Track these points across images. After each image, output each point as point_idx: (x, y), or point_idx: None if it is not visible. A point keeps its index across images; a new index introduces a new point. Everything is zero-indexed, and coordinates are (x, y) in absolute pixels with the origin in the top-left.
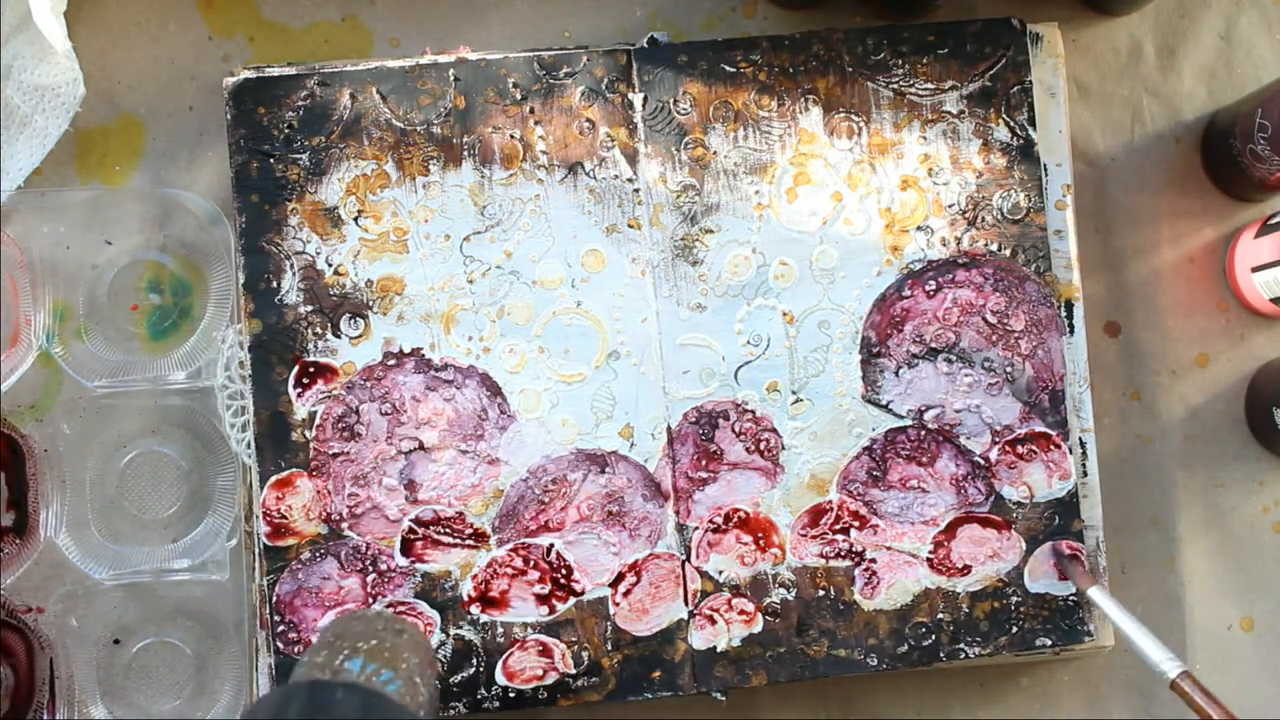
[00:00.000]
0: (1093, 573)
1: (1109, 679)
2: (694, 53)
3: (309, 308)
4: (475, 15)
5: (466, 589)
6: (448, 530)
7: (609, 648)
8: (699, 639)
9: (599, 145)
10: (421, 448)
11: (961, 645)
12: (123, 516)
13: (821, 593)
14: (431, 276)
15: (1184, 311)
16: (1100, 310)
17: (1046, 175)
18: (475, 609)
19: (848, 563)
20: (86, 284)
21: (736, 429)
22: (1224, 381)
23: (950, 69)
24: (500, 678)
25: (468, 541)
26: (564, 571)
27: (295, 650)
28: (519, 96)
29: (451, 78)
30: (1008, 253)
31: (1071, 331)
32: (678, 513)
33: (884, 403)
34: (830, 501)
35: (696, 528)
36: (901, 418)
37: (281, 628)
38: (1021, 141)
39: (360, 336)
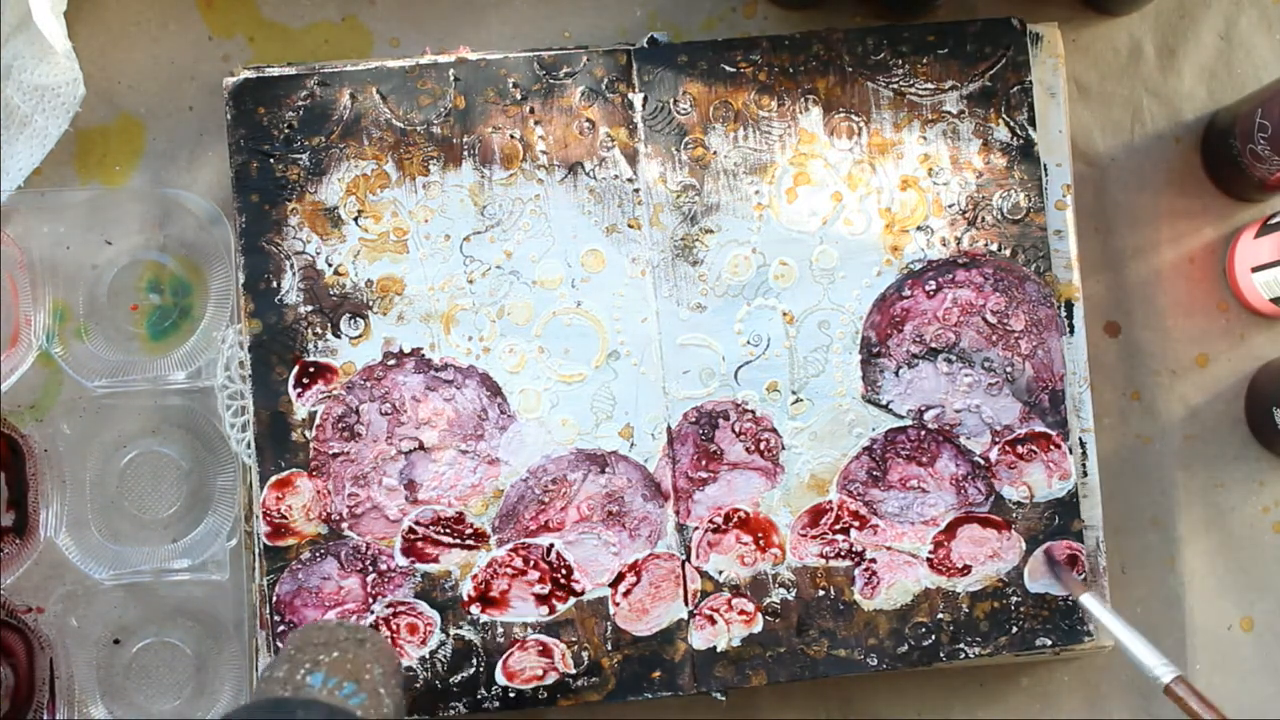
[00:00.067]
0: (1092, 573)
1: (1109, 679)
2: (694, 53)
3: (309, 308)
4: (475, 15)
5: (466, 589)
6: (448, 530)
7: (609, 648)
8: (699, 639)
9: (599, 145)
10: (421, 448)
11: (961, 645)
12: (123, 516)
13: (821, 593)
14: (431, 276)
15: (1184, 311)
16: (1100, 310)
17: (1046, 175)
18: (475, 609)
19: (848, 563)
20: (86, 284)
21: (736, 429)
22: (1224, 381)
23: (950, 69)
24: (500, 678)
25: (468, 541)
26: (564, 571)
27: None
28: (519, 96)
29: (451, 78)
30: (1008, 253)
31: (1071, 331)
32: (678, 513)
33: (884, 403)
34: (830, 501)
35: (696, 528)
36: (901, 418)
37: (281, 628)
38: (1021, 141)
39: (360, 336)
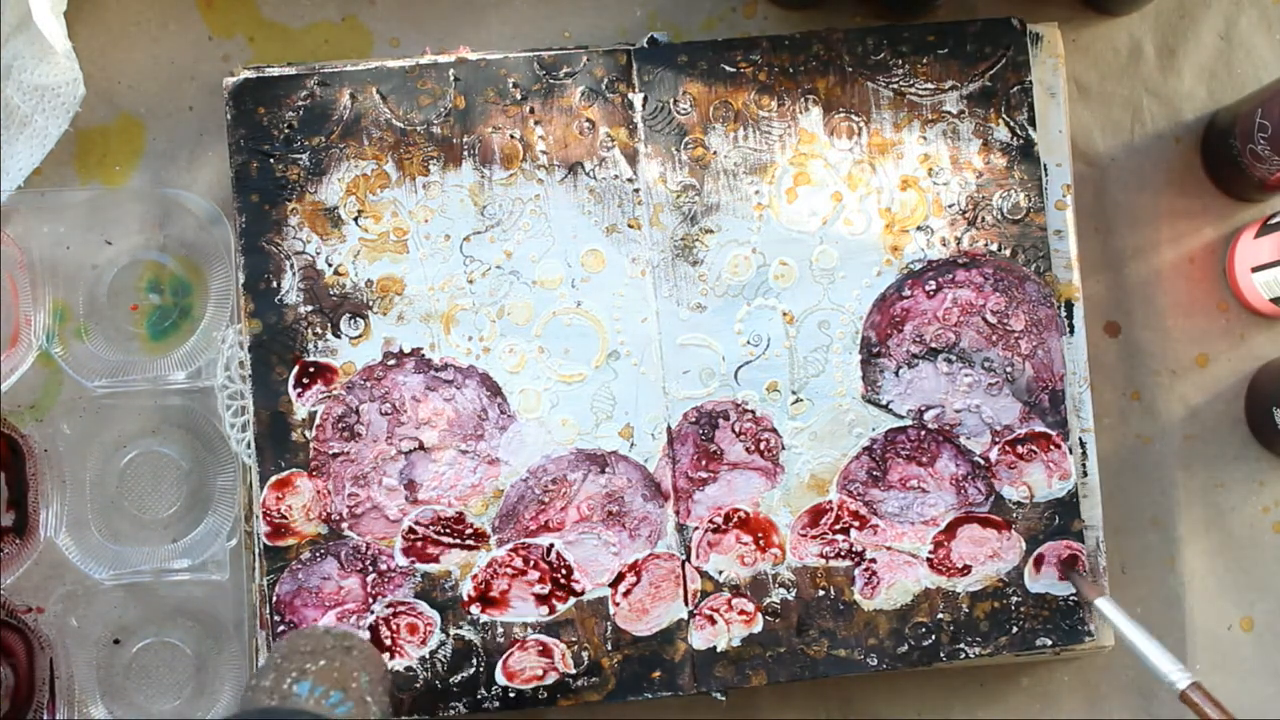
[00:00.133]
0: (1092, 573)
1: (1109, 679)
2: (694, 53)
3: (309, 308)
4: (475, 15)
5: (466, 589)
6: (448, 530)
7: (609, 648)
8: (699, 639)
9: (599, 145)
10: (421, 448)
11: (961, 645)
12: (123, 516)
13: (821, 593)
14: (431, 276)
15: (1184, 311)
16: (1100, 310)
17: (1046, 175)
18: (475, 609)
19: (848, 563)
20: (86, 284)
21: (736, 429)
22: (1224, 381)
23: (950, 69)
24: (500, 678)
25: (468, 541)
26: (564, 571)
27: None
28: (519, 96)
29: (451, 78)
30: (1008, 253)
31: (1071, 331)
32: (678, 513)
33: (884, 403)
34: (830, 501)
35: (696, 528)
36: (901, 418)
37: (281, 628)
38: (1021, 141)
39: (360, 336)
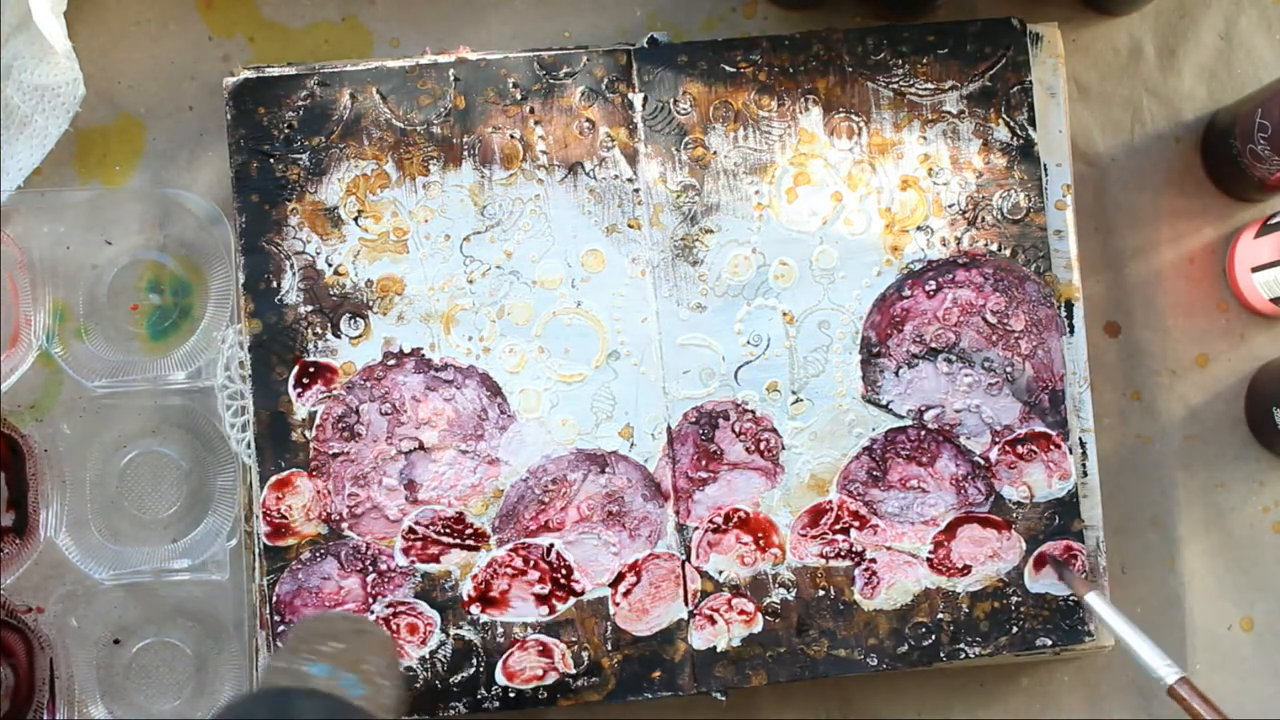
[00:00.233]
0: (1092, 573)
1: (1109, 679)
2: (694, 53)
3: (309, 308)
4: (475, 15)
5: (466, 589)
6: (448, 530)
7: (609, 648)
8: (699, 639)
9: (599, 145)
10: (421, 448)
11: (961, 645)
12: (123, 516)
13: (821, 593)
14: (431, 276)
15: (1184, 311)
16: (1100, 310)
17: (1046, 175)
18: (475, 609)
19: (848, 563)
20: (86, 284)
21: (736, 429)
22: (1224, 381)
23: (950, 69)
24: (500, 678)
25: (468, 541)
26: (564, 571)
27: None
28: (519, 96)
29: (451, 78)
30: (1008, 253)
31: (1071, 331)
32: (678, 513)
33: (884, 403)
34: (830, 501)
35: (696, 528)
36: (901, 418)
37: (281, 628)
38: (1021, 141)
39: (360, 336)
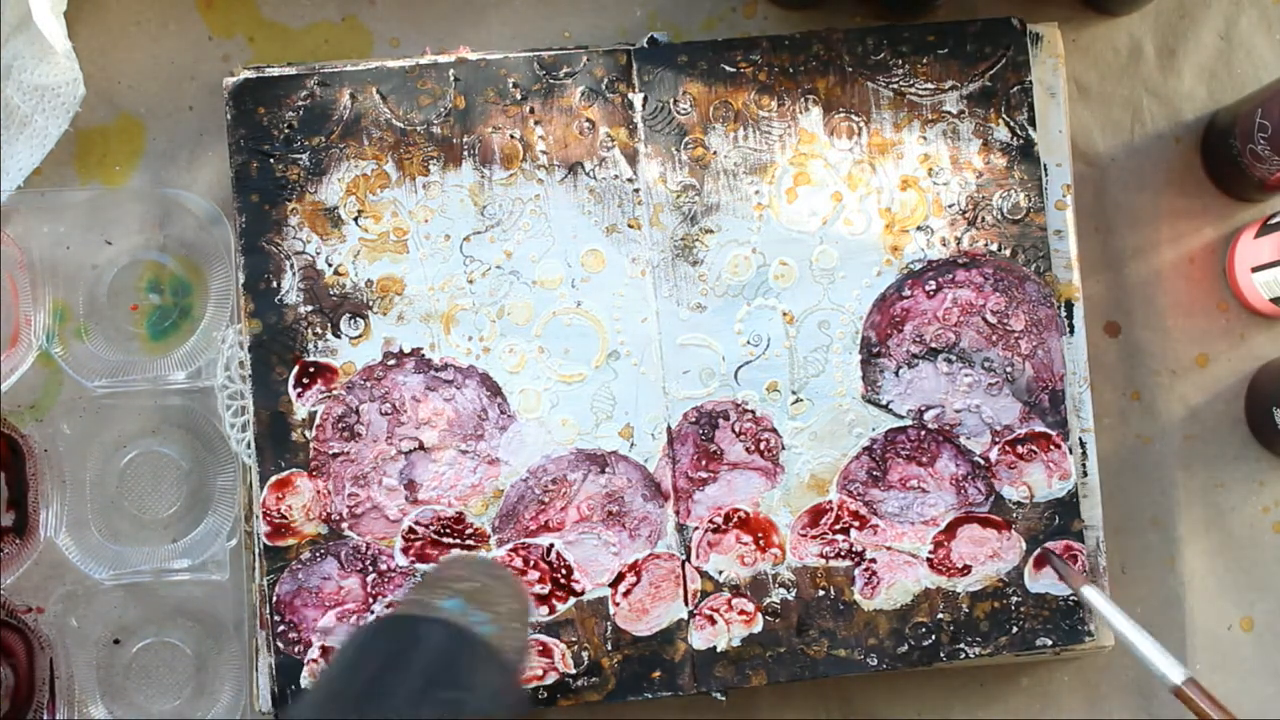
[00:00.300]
0: (1092, 573)
1: (1109, 679)
2: (694, 53)
3: (309, 308)
4: (475, 15)
5: None
6: (448, 530)
7: (609, 648)
8: (699, 639)
9: (599, 145)
10: (421, 448)
11: (961, 645)
12: (123, 516)
13: (821, 593)
14: (431, 276)
15: (1184, 311)
16: (1100, 310)
17: (1046, 175)
18: None
19: (848, 563)
20: (86, 284)
21: (736, 429)
22: (1224, 381)
23: (950, 69)
24: None
25: (468, 541)
26: (564, 571)
27: (295, 650)
28: (519, 96)
29: (451, 78)
30: (1008, 253)
31: (1071, 331)
32: (678, 513)
33: (884, 403)
34: (830, 501)
35: (696, 528)
36: (901, 418)
37: (281, 628)
38: (1021, 141)
39: (360, 336)
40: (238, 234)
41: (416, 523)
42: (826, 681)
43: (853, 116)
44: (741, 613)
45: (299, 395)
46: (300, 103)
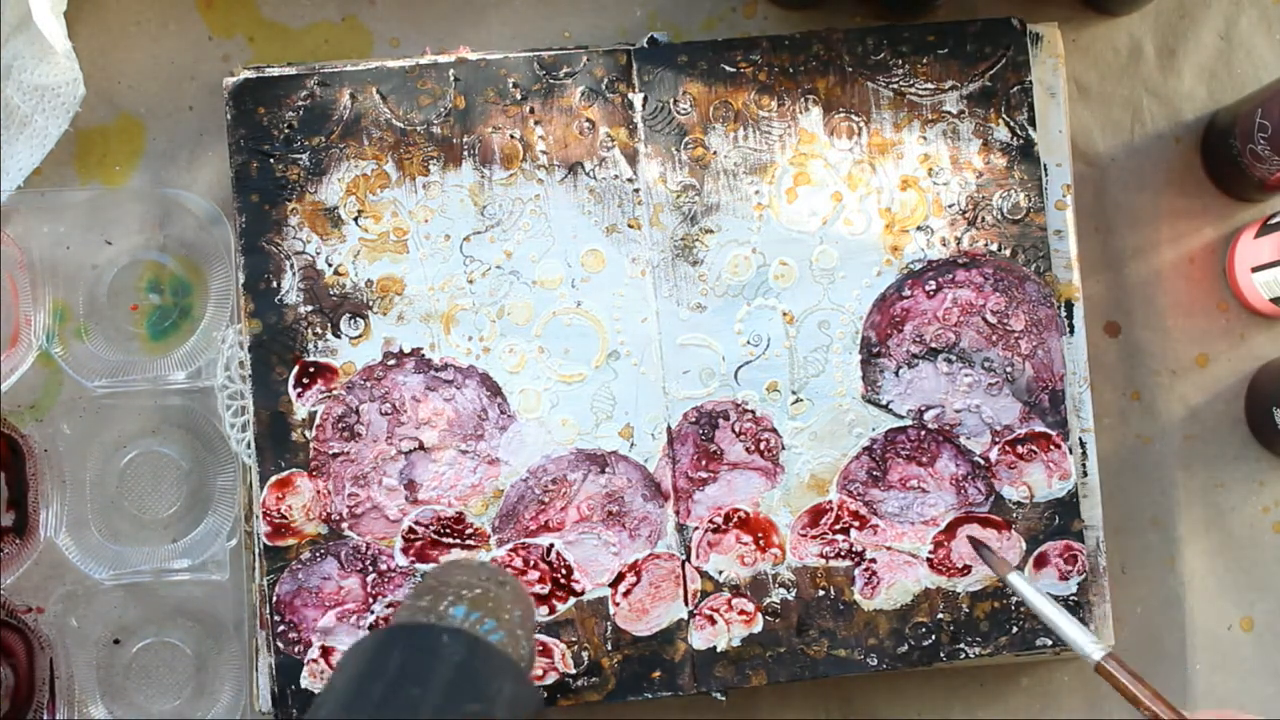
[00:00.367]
0: (1093, 573)
1: None
2: (694, 53)
3: (309, 308)
4: (475, 15)
5: None
6: (448, 530)
7: (609, 648)
8: (699, 639)
9: (599, 145)
10: (421, 448)
11: (961, 645)
12: (123, 516)
13: (821, 593)
14: (431, 276)
15: (1184, 311)
16: (1100, 310)
17: (1046, 175)
18: None
19: (848, 563)
20: (86, 284)
21: (736, 429)
22: (1224, 381)
23: (950, 69)
24: None
25: (468, 541)
26: (564, 571)
27: (295, 650)
28: (519, 96)
29: (451, 78)
30: (1008, 253)
31: (1071, 331)
32: (678, 513)
33: (884, 403)
34: (830, 501)
35: (696, 528)
36: (901, 418)
37: (281, 628)
38: (1021, 141)
39: (360, 336)
40: (238, 234)
41: (416, 523)
42: (826, 681)
43: (853, 116)
44: (741, 613)
45: (299, 395)
46: (300, 103)
